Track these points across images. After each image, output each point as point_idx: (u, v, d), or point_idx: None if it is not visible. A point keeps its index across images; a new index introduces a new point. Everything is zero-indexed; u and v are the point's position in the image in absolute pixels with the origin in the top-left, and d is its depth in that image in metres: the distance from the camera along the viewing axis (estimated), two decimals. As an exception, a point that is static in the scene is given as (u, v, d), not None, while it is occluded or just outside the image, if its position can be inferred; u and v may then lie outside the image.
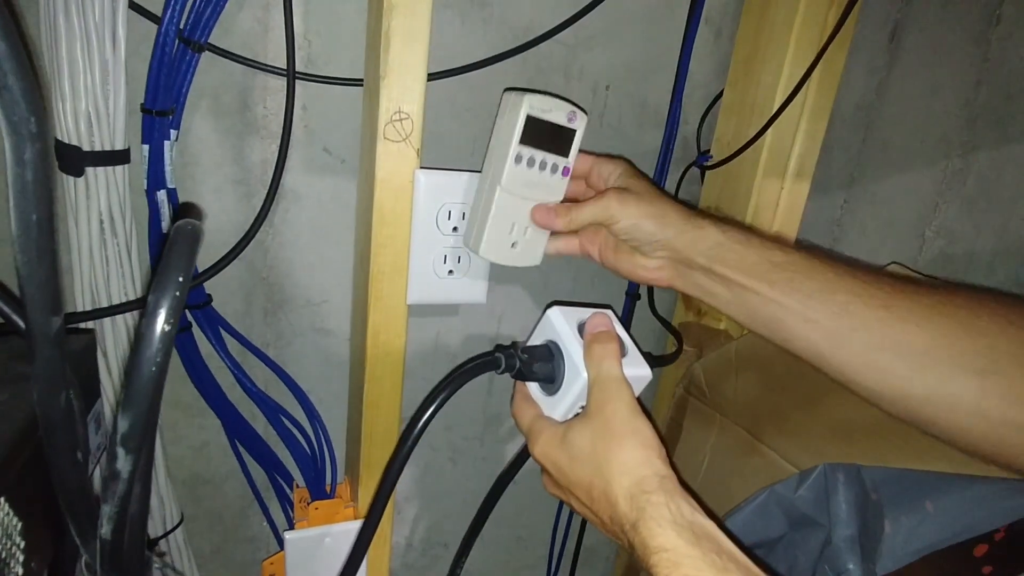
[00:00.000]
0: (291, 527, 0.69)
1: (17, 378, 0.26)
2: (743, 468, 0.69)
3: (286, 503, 0.69)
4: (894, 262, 0.57)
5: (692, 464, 0.75)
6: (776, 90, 0.64)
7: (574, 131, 0.50)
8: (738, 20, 0.70)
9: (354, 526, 0.60)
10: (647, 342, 0.81)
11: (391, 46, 0.48)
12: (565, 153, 0.51)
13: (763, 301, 0.47)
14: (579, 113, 0.50)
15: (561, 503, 0.87)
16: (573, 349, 0.44)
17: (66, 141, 0.47)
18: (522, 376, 0.46)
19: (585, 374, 0.43)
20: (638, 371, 0.44)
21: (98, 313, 0.49)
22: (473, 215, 0.53)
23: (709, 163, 0.72)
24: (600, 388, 0.41)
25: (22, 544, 0.23)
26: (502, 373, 0.46)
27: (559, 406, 0.45)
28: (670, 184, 0.74)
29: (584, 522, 0.87)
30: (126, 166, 0.50)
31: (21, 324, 0.23)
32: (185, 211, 0.55)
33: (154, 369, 0.20)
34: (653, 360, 0.48)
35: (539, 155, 0.49)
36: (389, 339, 0.56)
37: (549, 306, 0.47)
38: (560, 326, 0.45)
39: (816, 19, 0.62)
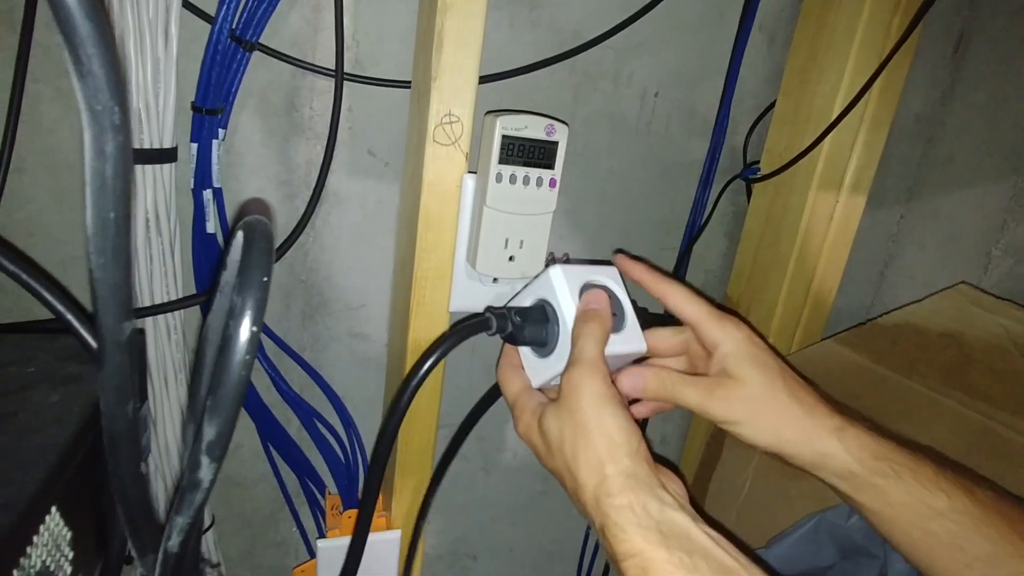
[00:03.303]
0: (321, 534, 0.68)
1: (68, 379, 0.25)
2: (789, 492, 0.66)
3: (317, 509, 0.68)
4: (962, 282, 0.55)
5: (733, 487, 0.72)
6: (835, 99, 0.62)
7: (556, 143, 0.51)
8: (793, 27, 0.67)
9: (388, 536, 0.59)
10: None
11: (444, 47, 0.47)
12: (550, 166, 0.52)
13: (911, 546, 0.38)
14: (557, 125, 0.51)
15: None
16: (568, 314, 0.41)
17: (116, 138, 0.46)
18: (513, 340, 0.44)
19: None
20: (629, 347, 0.41)
21: (141, 312, 0.48)
22: (470, 233, 0.53)
23: (757, 176, 0.69)
24: (571, 372, 0.38)
25: (71, 555, 0.22)
26: (493, 335, 0.44)
27: (549, 371, 0.43)
28: (712, 195, 0.72)
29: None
30: (173, 164, 0.49)
31: (78, 328, 0.22)
32: (249, 207, 0.54)
33: (243, 373, 0.19)
34: (664, 320, 0.45)
35: (521, 171, 0.51)
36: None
37: (552, 263, 0.45)
38: (560, 288, 0.42)
39: (880, 26, 0.60)
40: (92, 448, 0.24)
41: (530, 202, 0.51)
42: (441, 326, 0.54)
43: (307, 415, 0.62)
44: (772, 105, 0.70)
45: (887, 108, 0.64)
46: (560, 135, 0.50)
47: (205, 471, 0.22)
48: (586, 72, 0.63)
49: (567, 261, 0.45)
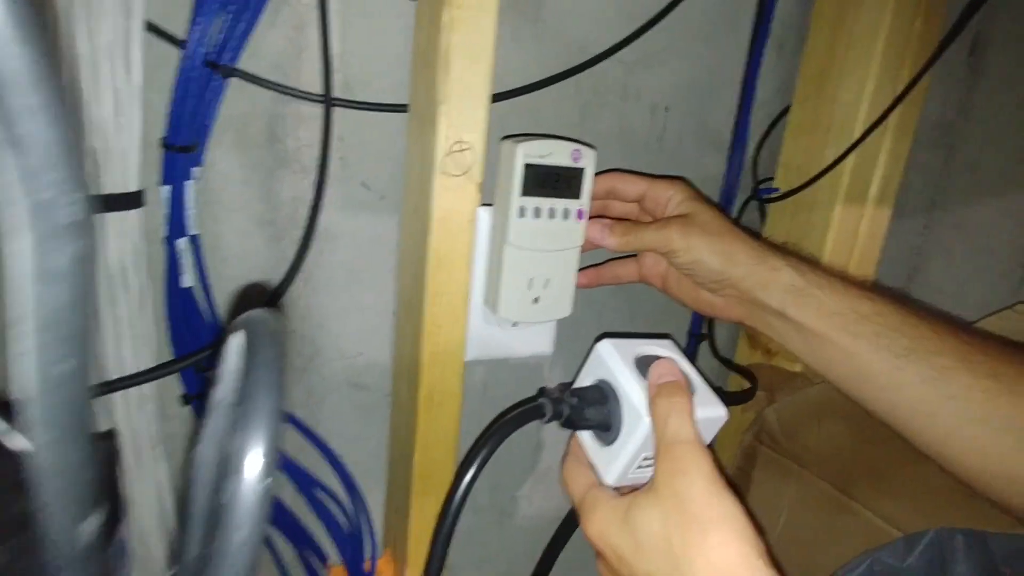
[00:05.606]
0: (323, 610, 0.61)
1: (15, 525, 0.19)
2: (831, 528, 0.62)
3: (317, 582, 0.60)
4: (1019, 302, 0.51)
5: (767, 521, 0.67)
6: (858, 108, 0.58)
7: (582, 170, 0.46)
8: (803, 33, 0.64)
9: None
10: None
11: (451, 67, 0.42)
12: (576, 195, 0.47)
13: (843, 355, 0.42)
14: (584, 150, 0.46)
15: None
16: (631, 389, 0.37)
17: (71, 183, 0.40)
18: (572, 424, 0.39)
19: (648, 419, 0.36)
20: (710, 412, 0.36)
21: (108, 387, 0.41)
22: (489, 274, 0.48)
23: (777, 194, 0.65)
24: (670, 455, 0.33)
25: None
26: (548, 422, 0.39)
27: (619, 459, 0.37)
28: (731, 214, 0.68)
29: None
30: (140, 210, 0.43)
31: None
32: (250, 295, 0.47)
33: (250, 554, 0.13)
34: (724, 397, 0.41)
35: (546, 203, 0.46)
36: (444, 400, 0.49)
37: (599, 339, 0.40)
38: (613, 362, 0.38)
39: (903, 30, 0.57)
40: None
41: (556, 236, 0.45)
42: (456, 376, 0.48)
43: (305, 483, 0.55)
44: (780, 116, 0.66)
45: (911, 115, 0.60)
46: (587, 160, 0.45)
47: None
48: (594, 87, 0.59)
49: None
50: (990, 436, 0.37)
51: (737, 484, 0.71)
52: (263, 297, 0.48)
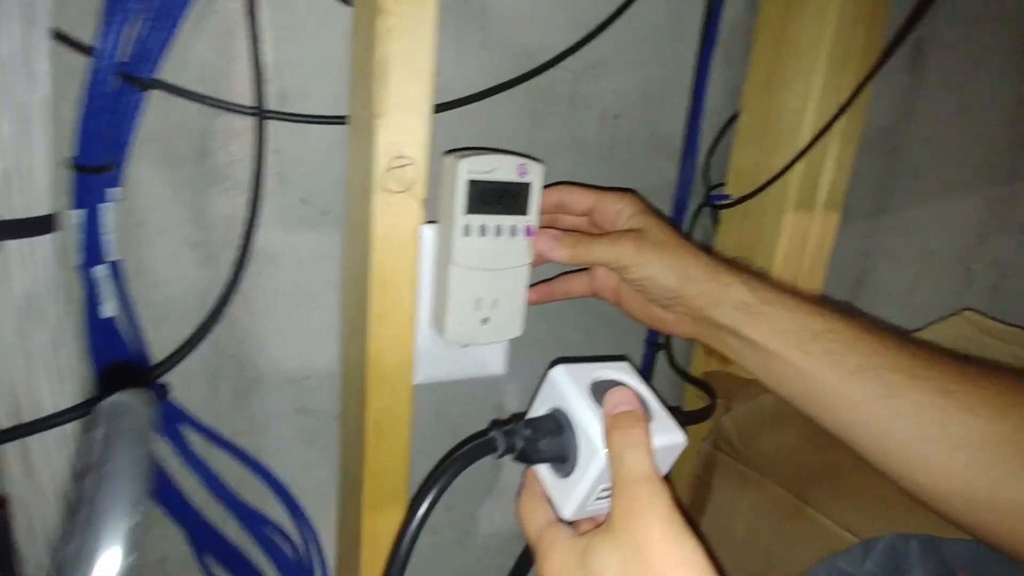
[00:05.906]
0: (274, 647, 0.58)
1: None
2: (788, 534, 0.62)
3: (266, 618, 0.57)
4: (967, 308, 0.52)
5: (727, 529, 0.67)
6: (804, 115, 0.59)
7: (528, 185, 0.45)
8: (750, 39, 0.64)
9: (357, 654, 0.50)
10: (666, 397, 0.73)
11: (390, 78, 0.40)
12: (523, 211, 0.45)
13: (795, 373, 0.41)
14: (531, 164, 0.45)
15: None
16: (586, 419, 0.35)
17: (-30, 209, 0.36)
18: (527, 458, 0.37)
19: (604, 451, 0.34)
20: (668, 439, 0.35)
21: (21, 430, 0.38)
22: (435, 295, 0.46)
23: (729, 201, 0.65)
24: (626, 494, 0.31)
25: None
26: (501, 456, 0.37)
27: (576, 492, 0.36)
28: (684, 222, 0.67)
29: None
30: (52, 235, 0.39)
31: None
32: (117, 374, 0.43)
33: None
34: (682, 416, 0.40)
35: (492, 220, 0.44)
36: (393, 425, 0.47)
37: (553, 364, 0.39)
38: (567, 390, 0.36)
39: (846, 37, 0.57)
40: None
41: (504, 255, 0.44)
42: (405, 401, 0.46)
43: (249, 519, 0.52)
44: (730, 122, 0.66)
45: (856, 121, 0.61)
46: (534, 175, 0.43)
47: None
48: (542, 96, 0.57)
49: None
50: (942, 454, 0.36)
51: (694, 518, 0.70)
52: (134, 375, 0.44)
